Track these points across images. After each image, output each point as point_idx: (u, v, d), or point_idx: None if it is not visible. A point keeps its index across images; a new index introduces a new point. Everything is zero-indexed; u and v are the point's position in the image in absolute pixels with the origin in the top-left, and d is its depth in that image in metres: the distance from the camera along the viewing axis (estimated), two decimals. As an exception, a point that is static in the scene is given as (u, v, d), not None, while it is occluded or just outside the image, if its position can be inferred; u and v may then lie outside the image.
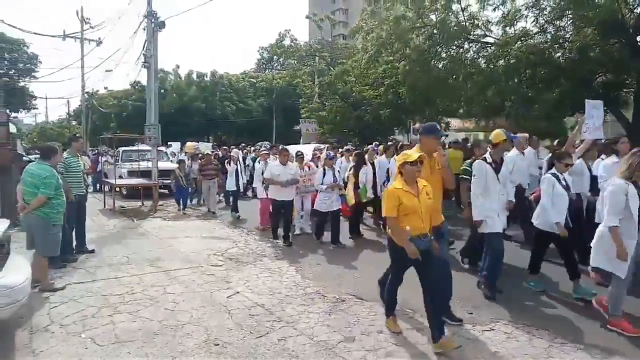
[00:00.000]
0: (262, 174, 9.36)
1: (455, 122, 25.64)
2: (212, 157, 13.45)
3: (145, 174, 14.75)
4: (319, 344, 4.21)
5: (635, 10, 11.52)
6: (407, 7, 14.70)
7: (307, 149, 11.96)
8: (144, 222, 11.18)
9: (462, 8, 13.62)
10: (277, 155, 9.53)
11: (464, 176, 6.21)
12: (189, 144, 22.66)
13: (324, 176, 8.39)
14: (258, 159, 11.27)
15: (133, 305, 5.25)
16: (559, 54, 12.41)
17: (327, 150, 12.19)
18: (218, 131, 44.37)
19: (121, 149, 18.29)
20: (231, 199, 12.15)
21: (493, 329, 4.48)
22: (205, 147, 20.51)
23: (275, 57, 43.97)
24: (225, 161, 12.90)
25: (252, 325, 4.66)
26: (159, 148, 14.80)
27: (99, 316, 4.90)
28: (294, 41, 27.05)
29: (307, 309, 5.09)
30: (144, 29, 14.04)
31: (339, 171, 9.00)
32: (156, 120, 13.89)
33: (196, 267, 6.83)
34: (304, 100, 27.62)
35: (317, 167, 9.91)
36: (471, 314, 4.90)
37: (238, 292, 5.66)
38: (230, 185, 11.96)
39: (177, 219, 11.61)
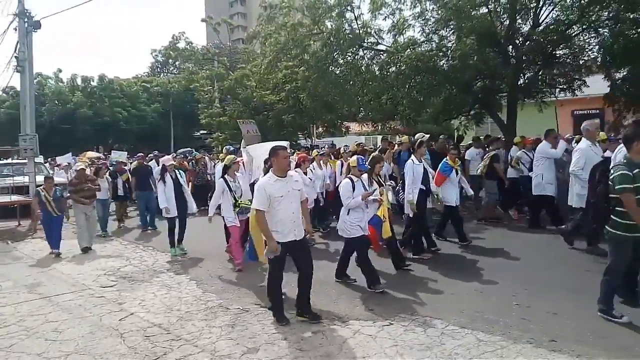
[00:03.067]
0: (225, 191, 7.14)
1: (354, 126, 26.66)
2: (88, 172, 10.25)
3: (21, 190, 13.14)
4: (221, 359, 4.03)
5: (505, 23, 12.86)
6: (303, 14, 14.94)
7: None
8: (20, 244, 9.96)
9: (355, 17, 14.16)
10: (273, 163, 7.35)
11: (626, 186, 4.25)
12: (89, 154, 20.09)
13: (353, 189, 5.82)
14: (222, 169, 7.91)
15: (5, 339, 4.63)
16: (443, 62, 13.42)
17: (342, 153, 10.16)
18: (109, 139, 41.33)
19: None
20: (167, 225, 8.18)
21: (392, 324, 4.64)
22: (119, 156, 16.38)
23: (170, 60, 42.17)
24: (156, 175, 9.35)
25: (148, 347, 4.33)
26: (36, 160, 13.24)
27: (-39, 357, 4.23)
28: (190, 44, 26.05)
29: (208, 323, 4.86)
30: (16, 29, 12.57)
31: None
32: (33, 129, 12.50)
33: (83, 290, 6.22)
34: (203, 106, 26.76)
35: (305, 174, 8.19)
36: (372, 310, 5.04)
37: (132, 314, 5.24)
38: (172, 208, 7.93)
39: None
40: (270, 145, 10.01)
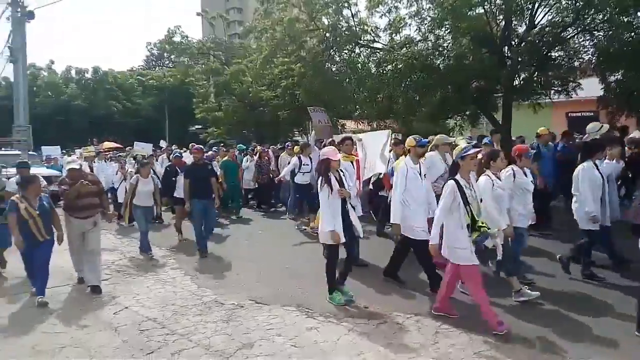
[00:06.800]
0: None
1: (349, 124, 26.71)
2: (87, 169, 8.20)
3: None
4: (215, 354, 4.06)
5: (500, 24, 12.90)
6: (300, 10, 14.93)
7: None
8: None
9: (352, 14, 14.16)
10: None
11: None
12: (107, 144, 18.47)
13: None
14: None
15: (-1, 332, 4.62)
16: (439, 61, 13.44)
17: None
18: (104, 132, 41.12)
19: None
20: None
21: (387, 322, 4.68)
22: (142, 150, 13.58)
23: (165, 54, 41.97)
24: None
25: (142, 341, 4.35)
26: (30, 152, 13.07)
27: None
28: (186, 38, 25.96)
29: (203, 318, 4.88)
30: (8, 19, 12.46)
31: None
32: (26, 121, 12.40)
33: (78, 284, 6.19)
34: (198, 100, 26.69)
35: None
36: (367, 308, 5.06)
37: (126, 307, 5.25)
38: (341, 232, 5.13)
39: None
40: (381, 134, 7.67)
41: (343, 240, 5.11)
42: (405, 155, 6.00)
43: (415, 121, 14.77)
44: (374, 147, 7.29)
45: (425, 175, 5.66)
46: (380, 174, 7.57)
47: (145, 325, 4.71)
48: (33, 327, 4.71)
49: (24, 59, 12.67)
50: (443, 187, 4.68)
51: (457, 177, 4.49)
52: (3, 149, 18.27)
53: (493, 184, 4.99)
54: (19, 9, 12.36)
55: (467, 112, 14.92)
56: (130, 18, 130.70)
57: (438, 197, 5.43)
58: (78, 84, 41.13)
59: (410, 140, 5.80)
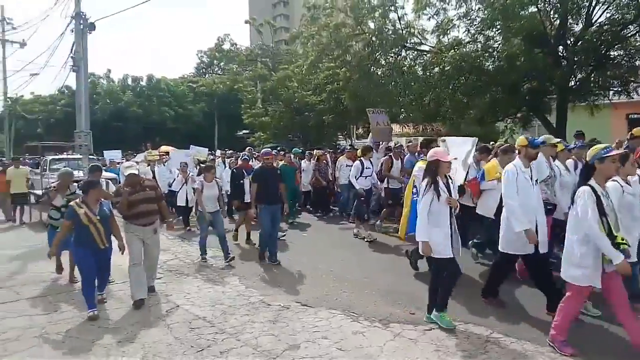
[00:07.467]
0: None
1: (395, 128, 26.44)
2: (150, 173, 8.87)
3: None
4: (263, 354, 4.13)
5: (555, 23, 12.40)
6: (346, 15, 15.01)
7: None
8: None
9: (398, 17, 14.09)
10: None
11: None
12: (164, 148, 17.86)
13: None
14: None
15: (61, 325, 4.90)
16: (489, 63, 13.10)
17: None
18: (157, 137, 43.00)
19: (48, 157, 17.13)
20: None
21: (434, 328, 4.59)
22: (198, 154, 12.99)
23: (215, 61, 43.41)
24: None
25: (193, 339, 4.49)
26: (90, 156, 13.80)
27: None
28: (234, 45, 26.77)
29: (251, 318, 4.98)
30: (72, 31, 13.27)
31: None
32: (87, 126, 13.12)
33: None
34: (245, 105, 27.37)
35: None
36: (413, 314, 4.99)
37: (178, 306, 5.44)
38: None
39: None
40: (467, 141, 7.22)
41: (432, 252, 4.55)
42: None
43: (464, 124, 14.49)
44: (458, 152, 6.84)
45: (537, 180, 4.99)
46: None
47: (196, 324, 4.87)
48: (92, 323, 4.97)
49: (85, 68, 13.42)
50: (574, 194, 4.02)
51: (592, 182, 3.86)
52: (66, 153, 19.47)
53: (623, 190, 4.40)
54: (81, 21, 13.12)
55: (519, 114, 14.44)
56: (181, 27, 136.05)
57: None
58: (134, 91, 43.23)
59: (521, 140, 5.09)
